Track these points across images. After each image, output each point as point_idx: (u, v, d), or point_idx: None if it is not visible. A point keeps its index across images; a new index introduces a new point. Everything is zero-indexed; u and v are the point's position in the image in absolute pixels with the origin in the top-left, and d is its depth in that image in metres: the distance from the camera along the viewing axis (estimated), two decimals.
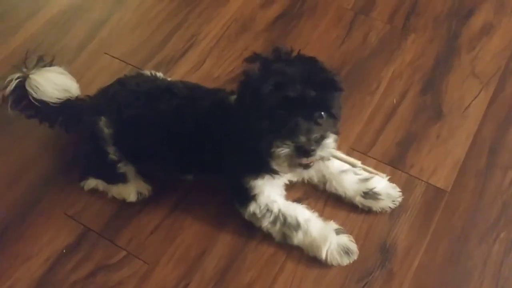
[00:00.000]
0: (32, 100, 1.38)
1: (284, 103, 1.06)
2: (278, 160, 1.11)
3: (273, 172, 1.23)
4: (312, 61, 1.13)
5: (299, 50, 1.15)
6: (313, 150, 1.08)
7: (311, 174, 1.37)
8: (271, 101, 1.06)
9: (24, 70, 1.38)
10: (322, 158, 1.12)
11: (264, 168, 1.22)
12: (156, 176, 1.43)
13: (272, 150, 1.09)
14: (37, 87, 1.37)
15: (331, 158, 1.19)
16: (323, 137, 1.09)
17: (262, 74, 1.10)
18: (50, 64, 1.44)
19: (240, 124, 1.16)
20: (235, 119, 1.18)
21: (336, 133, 1.14)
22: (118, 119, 1.31)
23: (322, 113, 1.10)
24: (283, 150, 1.08)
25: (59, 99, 1.40)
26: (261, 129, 1.10)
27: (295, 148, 1.08)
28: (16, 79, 1.37)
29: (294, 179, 1.36)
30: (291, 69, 1.08)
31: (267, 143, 1.10)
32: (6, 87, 1.38)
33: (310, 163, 1.12)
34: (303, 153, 1.08)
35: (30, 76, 1.37)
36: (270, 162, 1.16)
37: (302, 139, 1.07)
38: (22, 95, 1.39)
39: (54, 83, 1.39)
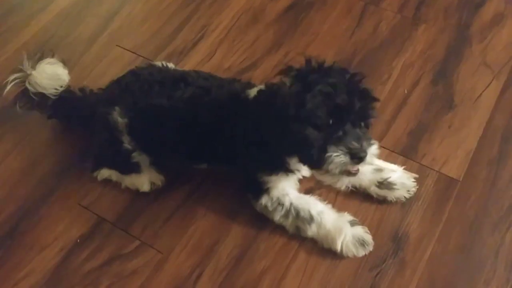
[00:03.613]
0: (32, 96, 1.40)
1: (333, 112, 1.07)
2: (331, 165, 1.09)
3: (288, 171, 1.23)
4: (346, 71, 1.12)
5: (334, 62, 1.13)
6: (365, 156, 1.09)
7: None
8: (322, 110, 1.06)
9: (20, 67, 1.39)
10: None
11: (279, 167, 1.23)
12: (169, 166, 1.44)
13: (328, 155, 1.08)
14: (35, 82, 1.38)
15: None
16: (370, 144, 1.11)
17: (302, 86, 1.08)
18: (46, 57, 1.44)
19: (271, 130, 1.15)
20: (256, 120, 1.17)
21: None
22: (133, 108, 1.31)
23: (362, 123, 1.11)
24: (339, 157, 1.08)
25: (56, 89, 1.41)
26: (309, 138, 1.09)
27: (349, 155, 1.08)
28: (11, 82, 1.39)
29: (308, 174, 1.33)
30: (332, 79, 1.08)
31: (318, 150, 1.09)
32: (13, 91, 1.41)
33: (357, 170, 1.13)
34: (357, 159, 1.09)
35: (29, 74, 1.39)
36: (320, 167, 1.12)
37: (355, 144, 1.08)
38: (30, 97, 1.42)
39: (46, 74, 1.40)
